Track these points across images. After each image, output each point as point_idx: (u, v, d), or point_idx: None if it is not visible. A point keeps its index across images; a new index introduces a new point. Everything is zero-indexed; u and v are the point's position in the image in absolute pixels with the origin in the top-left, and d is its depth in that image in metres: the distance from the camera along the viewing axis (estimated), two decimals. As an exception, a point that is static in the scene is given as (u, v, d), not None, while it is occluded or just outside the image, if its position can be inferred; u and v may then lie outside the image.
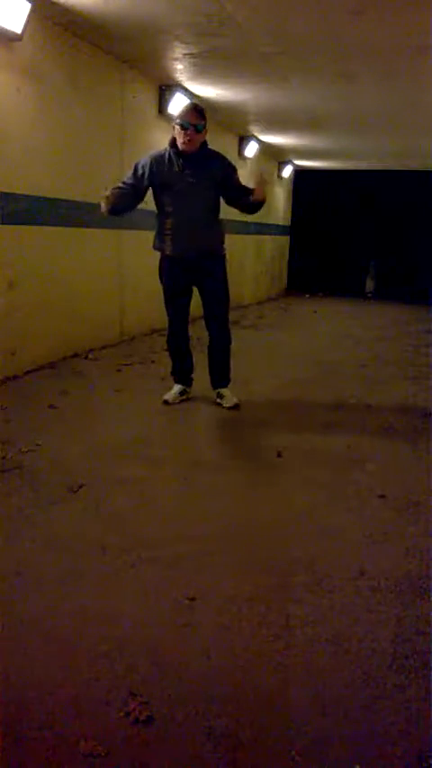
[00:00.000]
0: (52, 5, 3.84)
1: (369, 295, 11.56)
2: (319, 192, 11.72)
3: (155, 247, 3.68)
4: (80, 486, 2.62)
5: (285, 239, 11.85)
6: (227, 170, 3.57)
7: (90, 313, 5.14)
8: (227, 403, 3.81)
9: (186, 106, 3.49)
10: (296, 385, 4.59)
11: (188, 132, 3.36)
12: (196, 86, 5.76)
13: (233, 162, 3.65)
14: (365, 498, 2.67)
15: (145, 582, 1.97)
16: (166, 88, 5.76)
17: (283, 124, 7.47)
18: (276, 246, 11.16)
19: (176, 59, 4.92)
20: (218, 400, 3.86)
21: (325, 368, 5.22)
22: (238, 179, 3.62)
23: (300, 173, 11.62)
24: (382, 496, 2.68)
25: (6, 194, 3.97)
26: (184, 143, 3.39)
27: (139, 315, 5.96)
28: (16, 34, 3.69)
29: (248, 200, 3.55)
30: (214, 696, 1.51)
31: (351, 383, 4.71)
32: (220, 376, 3.89)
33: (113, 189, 3.47)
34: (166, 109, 5.81)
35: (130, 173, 3.54)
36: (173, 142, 3.45)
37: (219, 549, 2.19)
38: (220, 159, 3.59)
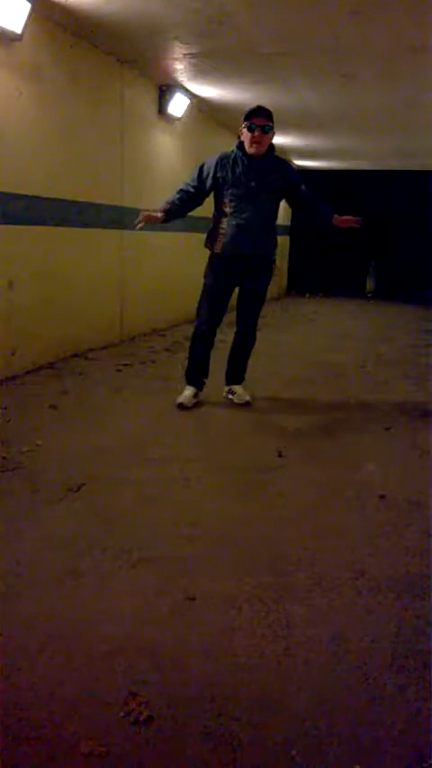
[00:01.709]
0: (52, 5, 3.84)
1: (369, 295, 11.56)
2: (318, 192, 11.68)
3: (206, 245, 3.69)
4: (80, 486, 2.62)
5: (285, 239, 11.84)
6: (291, 179, 3.61)
7: (90, 313, 5.14)
8: (238, 399, 3.85)
9: (253, 108, 3.46)
10: (296, 385, 4.59)
11: (256, 135, 3.37)
12: (196, 86, 5.77)
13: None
14: (365, 498, 2.67)
15: (145, 582, 1.97)
16: (166, 88, 5.76)
17: (283, 124, 7.44)
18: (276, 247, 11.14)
19: (176, 59, 4.92)
20: (229, 396, 3.89)
21: (325, 368, 5.22)
22: (305, 190, 3.67)
23: (300, 173, 11.60)
24: (382, 496, 2.68)
25: (6, 194, 3.97)
26: (252, 145, 3.40)
27: (140, 315, 5.97)
28: (16, 34, 3.70)
29: (324, 218, 3.64)
30: (214, 696, 1.51)
31: (351, 383, 4.71)
32: (238, 373, 3.93)
33: (174, 199, 3.56)
34: (166, 109, 5.82)
35: (194, 174, 3.57)
36: (240, 144, 3.47)
37: (219, 549, 2.19)
38: (285, 168, 3.63)
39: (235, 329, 3.91)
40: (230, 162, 3.49)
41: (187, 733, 1.40)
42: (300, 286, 12.06)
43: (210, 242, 3.67)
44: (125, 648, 1.66)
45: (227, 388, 3.94)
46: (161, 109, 5.85)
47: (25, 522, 2.32)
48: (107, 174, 5.20)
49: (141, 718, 1.43)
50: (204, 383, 3.89)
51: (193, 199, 3.61)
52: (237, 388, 3.91)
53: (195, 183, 3.56)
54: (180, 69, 5.22)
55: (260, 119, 3.39)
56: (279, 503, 2.61)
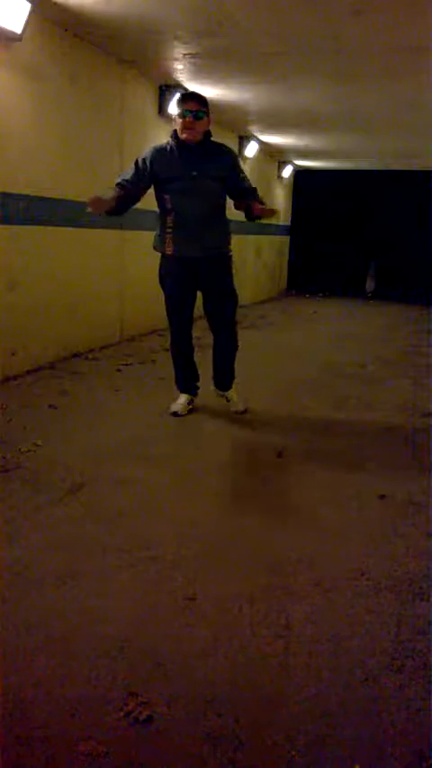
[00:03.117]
0: (52, 5, 3.84)
1: (369, 295, 11.55)
2: (319, 192, 11.72)
3: (154, 248, 3.48)
4: (80, 486, 2.62)
5: (285, 239, 11.85)
6: (231, 164, 3.38)
7: (90, 313, 5.14)
8: (234, 407, 3.71)
9: (185, 93, 3.32)
10: (296, 385, 4.59)
11: (187, 120, 3.19)
12: (196, 86, 5.76)
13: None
14: (365, 498, 2.67)
15: (145, 582, 1.97)
16: (166, 88, 5.76)
17: (283, 124, 7.47)
18: (276, 246, 11.16)
19: (176, 59, 4.92)
20: (226, 402, 3.76)
21: (325, 368, 5.22)
22: (242, 177, 3.40)
23: (300, 173, 11.62)
24: (382, 496, 2.68)
25: (6, 194, 3.97)
26: (183, 131, 3.22)
27: (140, 315, 5.97)
28: (16, 34, 3.69)
29: (249, 206, 3.34)
30: (214, 696, 1.51)
31: (351, 383, 4.71)
32: (225, 379, 3.74)
33: (114, 193, 3.26)
34: (166, 109, 5.81)
35: (130, 170, 3.35)
36: (174, 134, 3.29)
37: (219, 548, 2.19)
38: (226, 152, 3.39)
39: (212, 336, 3.66)
40: (167, 153, 3.29)
41: (187, 733, 1.40)
42: (300, 286, 12.06)
43: (159, 243, 3.42)
44: (125, 648, 1.66)
45: (219, 393, 3.78)
46: (161, 109, 5.85)
47: (25, 522, 2.32)
48: (107, 174, 5.18)
49: (141, 718, 1.43)
50: (197, 388, 3.76)
51: (130, 196, 3.32)
52: (231, 394, 3.74)
53: (132, 178, 3.29)
54: (180, 69, 5.21)
55: (192, 103, 3.21)
56: (279, 503, 2.61)
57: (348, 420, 3.78)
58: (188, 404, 3.70)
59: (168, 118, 5.98)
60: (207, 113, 3.26)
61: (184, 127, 3.21)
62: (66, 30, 4.31)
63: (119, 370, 4.65)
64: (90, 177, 4.89)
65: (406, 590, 1.98)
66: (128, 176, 3.33)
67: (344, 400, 4.21)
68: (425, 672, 1.62)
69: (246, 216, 3.45)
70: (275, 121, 7.29)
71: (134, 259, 5.69)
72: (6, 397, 3.78)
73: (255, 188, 3.47)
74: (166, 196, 3.32)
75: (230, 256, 3.55)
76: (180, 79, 5.55)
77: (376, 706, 1.50)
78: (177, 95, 5.61)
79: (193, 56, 4.78)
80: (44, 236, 4.42)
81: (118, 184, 3.33)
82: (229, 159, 3.39)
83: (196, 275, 3.44)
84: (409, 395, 4.42)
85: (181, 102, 3.25)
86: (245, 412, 3.70)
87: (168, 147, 3.31)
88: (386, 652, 1.69)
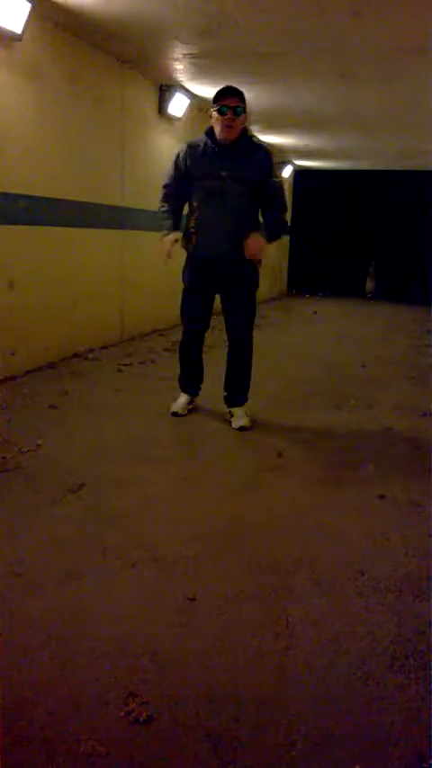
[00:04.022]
0: (52, 5, 3.84)
1: (369, 295, 11.56)
2: (319, 192, 11.72)
3: (182, 246, 3.33)
4: (80, 486, 2.62)
5: (285, 239, 11.85)
6: (263, 165, 3.17)
7: (90, 313, 5.14)
8: (234, 424, 3.44)
9: (222, 88, 3.08)
10: (297, 385, 4.59)
11: (227, 118, 3.01)
12: (196, 86, 5.77)
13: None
14: (365, 498, 2.67)
15: (145, 582, 1.97)
16: (166, 88, 5.76)
17: (283, 124, 7.47)
18: (276, 246, 11.16)
19: (176, 59, 4.92)
20: (229, 418, 3.52)
21: (325, 368, 5.22)
22: (270, 183, 3.21)
23: (300, 173, 11.62)
24: (382, 496, 2.68)
25: (6, 194, 3.97)
26: (222, 130, 3.04)
27: (140, 315, 5.97)
28: (16, 34, 3.69)
29: (271, 221, 3.22)
30: (214, 696, 1.51)
31: (351, 383, 4.71)
32: (235, 396, 3.53)
33: (165, 209, 3.29)
34: (166, 109, 5.82)
35: (170, 170, 3.29)
36: (209, 131, 3.14)
37: (219, 549, 2.19)
38: (262, 153, 3.18)
39: (227, 344, 3.52)
40: (200, 150, 3.16)
41: (187, 733, 1.40)
42: (300, 286, 12.06)
43: (184, 242, 3.31)
44: (125, 648, 1.66)
45: (227, 410, 3.56)
46: (161, 109, 5.86)
47: (25, 522, 2.32)
48: (107, 174, 5.20)
49: (141, 719, 1.43)
50: (199, 389, 3.69)
51: (179, 195, 3.30)
52: (236, 410, 3.51)
53: (171, 181, 3.28)
54: (180, 69, 5.22)
55: (231, 99, 3.02)
56: (279, 503, 2.61)
57: (348, 420, 3.78)
58: (188, 404, 3.65)
59: (168, 118, 5.99)
60: (245, 108, 3.08)
61: (224, 125, 3.05)
62: (66, 30, 4.31)
63: (119, 370, 4.65)
64: (90, 177, 4.90)
65: (406, 590, 1.98)
66: (169, 179, 3.33)
67: (344, 400, 4.21)
68: (425, 672, 1.62)
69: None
70: (275, 121, 7.29)
71: (134, 259, 5.69)
72: (6, 397, 3.78)
73: (281, 203, 3.28)
74: (194, 194, 3.24)
75: (256, 267, 3.35)
76: (180, 79, 5.55)
77: (376, 706, 1.50)
78: (178, 94, 5.72)
79: (193, 56, 4.79)
80: (44, 236, 4.42)
81: (164, 187, 3.33)
82: (263, 161, 3.18)
83: (216, 278, 3.32)
84: (409, 395, 4.42)
85: (218, 96, 3.05)
86: (242, 429, 3.42)
87: (202, 143, 3.19)
88: (386, 652, 1.69)
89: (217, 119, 3.06)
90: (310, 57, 4.66)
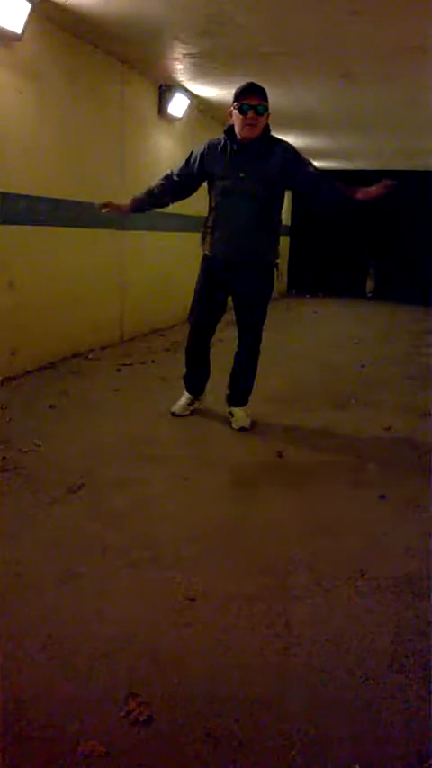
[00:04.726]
0: (52, 5, 3.84)
1: (369, 295, 11.55)
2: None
3: (200, 245, 3.32)
4: (80, 486, 2.62)
5: (285, 239, 11.84)
6: (288, 163, 3.07)
7: (90, 313, 5.14)
8: (235, 424, 3.45)
9: (244, 86, 2.99)
10: (297, 385, 4.59)
11: (249, 117, 2.93)
12: (196, 86, 5.76)
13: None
14: (365, 498, 2.67)
15: (145, 582, 1.97)
16: (166, 88, 5.76)
17: (283, 124, 7.46)
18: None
19: (176, 59, 4.92)
20: (229, 418, 3.52)
21: (325, 368, 5.22)
22: (307, 169, 3.09)
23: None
24: (382, 496, 2.68)
25: (6, 194, 3.97)
26: (243, 129, 2.96)
27: (140, 315, 5.97)
28: (16, 34, 3.69)
29: (335, 202, 3.12)
30: (214, 696, 1.51)
31: (351, 383, 4.71)
32: (238, 396, 3.53)
33: (153, 186, 3.26)
34: (167, 109, 5.82)
35: (181, 164, 3.24)
36: (229, 129, 3.06)
37: (219, 549, 2.19)
38: (281, 151, 3.08)
39: (237, 344, 3.50)
40: (218, 150, 3.10)
41: (187, 733, 1.40)
42: (300, 286, 12.05)
43: (201, 242, 3.30)
44: (125, 648, 1.66)
45: (227, 409, 3.56)
46: (161, 109, 5.85)
47: (25, 522, 2.32)
48: (107, 174, 5.20)
49: (141, 719, 1.43)
50: (203, 390, 3.65)
51: (177, 187, 3.26)
52: (237, 411, 3.50)
53: (181, 172, 3.22)
54: (180, 69, 5.21)
55: (254, 98, 2.95)
56: (279, 503, 2.61)
57: (348, 420, 3.78)
58: (189, 404, 3.62)
59: (168, 118, 5.99)
60: (267, 106, 2.99)
61: (245, 124, 2.96)
62: (66, 30, 4.31)
63: (119, 371, 4.65)
64: (90, 177, 4.89)
65: (406, 590, 1.98)
66: (177, 169, 3.26)
67: (344, 400, 4.21)
68: (425, 672, 1.62)
69: (323, 207, 3.16)
70: (275, 121, 7.24)
71: (134, 259, 5.69)
72: (6, 397, 3.78)
73: (327, 180, 3.16)
74: (212, 194, 3.19)
75: (272, 266, 3.32)
76: (180, 79, 5.55)
77: (376, 706, 1.50)
78: (178, 94, 5.72)
79: (193, 56, 4.78)
80: (44, 236, 4.42)
81: (164, 177, 3.30)
82: (284, 155, 3.09)
83: (229, 280, 3.27)
84: (409, 395, 4.42)
85: (240, 94, 2.97)
86: (242, 430, 3.43)
87: (222, 141, 3.11)
88: (386, 652, 1.69)
89: (238, 117, 2.98)
90: (310, 57, 4.65)
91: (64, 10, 3.92)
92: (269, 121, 3.10)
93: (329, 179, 3.16)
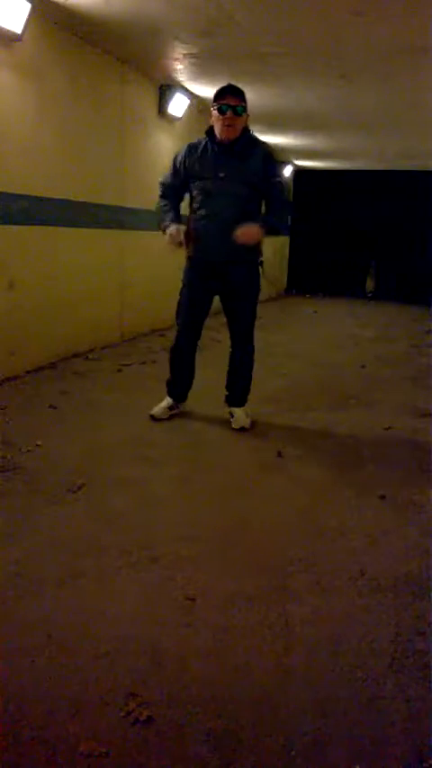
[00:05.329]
0: (52, 5, 3.84)
1: (369, 295, 11.55)
2: (319, 192, 11.71)
3: (178, 244, 3.27)
4: (80, 486, 2.62)
5: (285, 239, 11.85)
6: (265, 165, 3.14)
7: (90, 313, 5.14)
8: (235, 424, 3.46)
9: (222, 87, 3.04)
10: (296, 385, 4.59)
11: (227, 117, 2.98)
12: (196, 86, 5.76)
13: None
14: (365, 498, 2.67)
15: (145, 582, 1.97)
16: (166, 88, 5.76)
17: (283, 124, 7.46)
18: (276, 246, 11.16)
19: (176, 59, 4.92)
20: (230, 418, 3.52)
21: (325, 368, 5.22)
22: (274, 183, 3.19)
23: (300, 173, 11.62)
24: (382, 496, 2.68)
25: (6, 194, 3.97)
26: (222, 130, 3.01)
27: (139, 315, 5.97)
28: (16, 34, 3.69)
29: (269, 216, 3.19)
30: (214, 696, 1.51)
31: (351, 383, 4.71)
32: (236, 395, 3.55)
33: (164, 204, 3.26)
34: (167, 109, 5.82)
35: (169, 169, 3.28)
36: (210, 130, 3.11)
37: (219, 549, 2.19)
38: (260, 152, 3.15)
39: (230, 347, 3.52)
40: (199, 150, 3.13)
41: (187, 733, 1.40)
42: (300, 286, 12.06)
43: (184, 243, 3.26)
44: (125, 648, 1.66)
45: (227, 410, 3.57)
46: (161, 109, 5.85)
47: (25, 522, 2.32)
48: (107, 174, 5.20)
49: (141, 719, 1.43)
50: (186, 396, 3.63)
51: (177, 192, 3.31)
52: (237, 411, 3.52)
53: (174, 179, 3.26)
54: (180, 69, 5.22)
55: (232, 98, 2.98)
56: (279, 503, 2.61)
57: (348, 420, 3.78)
58: (170, 409, 3.58)
59: (168, 118, 5.99)
60: (246, 107, 3.04)
61: (224, 125, 3.01)
62: (66, 30, 4.31)
63: (119, 371, 4.65)
64: (90, 177, 4.89)
65: (406, 590, 1.98)
66: (167, 177, 3.31)
67: (344, 400, 4.21)
68: (425, 672, 1.62)
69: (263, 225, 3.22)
70: (275, 121, 7.28)
71: (134, 259, 5.69)
72: (6, 397, 3.78)
73: (282, 202, 3.28)
74: (193, 194, 3.22)
75: (257, 265, 3.34)
76: (180, 79, 5.55)
77: (376, 706, 1.50)
78: (178, 94, 5.72)
79: (193, 56, 4.78)
80: (44, 236, 4.42)
81: (161, 184, 3.33)
82: (263, 160, 3.16)
83: (216, 280, 3.29)
84: (409, 395, 4.42)
85: (219, 95, 3.03)
86: (242, 430, 3.45)
87: (202, 143, 3.17)
88: (386, 652, 1.69)
89: (217, 118, 3.04)
90: (310, 57, 4.65)
91: (64, 10, 3.92)
92: (248, 122, 3.17)
93: (280, 206, 3.28)
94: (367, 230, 11.60)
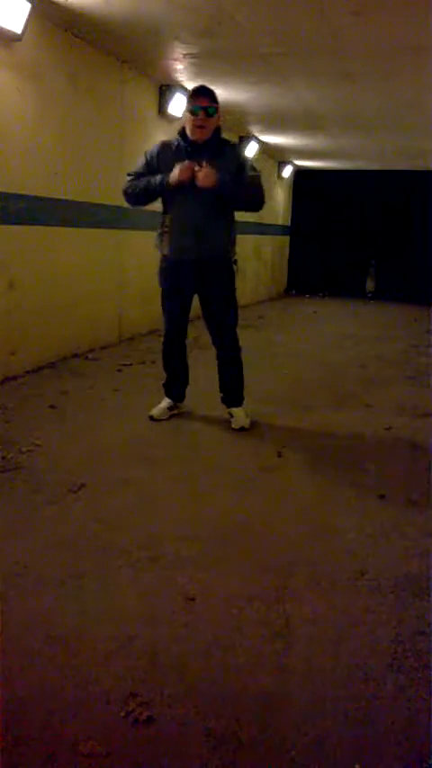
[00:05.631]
0: (52, 5, 3.84)
1: (369, 295, 11.55)
2: (319, 192, 11.71)
3: (155, 246, 3.35)
4: (80, 486, 2.62)
5: (285, 239, 11.84)
6: (237, 164, 3.17)
7: (90, 313, 5.14)
8: (234, 424, 3.46)
9: (195, 88, 3.11)
10: (296, 385, 4.59)
11: (199, 118, 3.02)
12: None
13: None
14: (365, 498, 2.67)
15: (145, 582, 1.97)
16: (166, 88, 5.76)
17: (283, 124, 7.47)
18: (276, 246, 11.16)
19: (176, 59, 4.92)
20: (229, 418, 3.52)
21: (325, 368, 5.22)
22: (248, 177, 3.19)
23: (300, 173, 11.61)
24: (382, 496, 2.68)
25: (6, 194, 3.97)
26: (194, 131, 3.06)
27: (139, 315, 5.96)
28: (16, 34, 3.69)
29: (240, 198, 3.18)
30: (214, 696, 1.51)
31: (351, 383, 4.71)
32: (231, 395, 3.53)
33: (141, 180, 3.19)
34: (167, 109, 5.82)
35: (140, 162, 3.25)
36: (182, 131, 3.15)
37: (219, 549, 2.19)
38: (233, 152, 3.23)
39: (214, 349, 3.50)
40: (172, 150, 3.15)
41: (187, 733, 1.40)
42: (300, 286, 12.06)
43: (158, 243, 3.30)
44: (125, 648, 1.66)
45: (227, 410, 3.56)
46: (161, 109, 5.85)
47: (25, 522, 2.32)
48: (107, 174, 5.19)
49: (141, 719, 1.43)
50: (184, 395, 3.66)
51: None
52: (236, 411, 3.51)
53: (143, 170, 3.21)
54: (180, 69, 5.21)
55: (204, 99, 3.02)
56: (279, 503, 2.61)
57: (348, 420, 3.78)
58: (169, 409, 3.59)
59: (168, 118, 5.99)
60: (218, 108, 3.08)
61: (195, 125, 3.05)
62: (66, 30, 4.31)
63: (119, 371, 4.65)
64: (90, 177, 4.89)
65: (406, 590, 1.98)
66: (139, 168, 3.24)
67: (344, 400, 4.21)
68: (425, 672, 1.62)
69: (242, 209, 3.30)
70: (275, 121, 7.29)
71: (133, 259, 5.69)
72: (6, 397, 3.78)
73: (255, 187, 3.23)
74: (166, 194, 3.20)
75: (232, 264, 3.37)
76: (180, 79, 5.55)
77: (376, 706, 1.50)
78: (178, 94, 5.72)
79: (193, 56, 4.78)
80: (44, 236, 4.42)
81: (130, 175, 3.26)
82: (234, 158, 3.20)
83: (193, 279, 3.31)
84: (409, 395, 4.42)
85: (191, 97, 3.09)
86: (242, 430, 3.44)
87: (175, 143, 3.19)
88: (386, 652, 1.69)
89: (189, 119, 3.07)
90: (310, 57, 4.65)
91: (64, 10, 3.92)
92: (220, 123, 3.19)
93: (245, 184, 3.19)
94: (367, 230, 11.60)
